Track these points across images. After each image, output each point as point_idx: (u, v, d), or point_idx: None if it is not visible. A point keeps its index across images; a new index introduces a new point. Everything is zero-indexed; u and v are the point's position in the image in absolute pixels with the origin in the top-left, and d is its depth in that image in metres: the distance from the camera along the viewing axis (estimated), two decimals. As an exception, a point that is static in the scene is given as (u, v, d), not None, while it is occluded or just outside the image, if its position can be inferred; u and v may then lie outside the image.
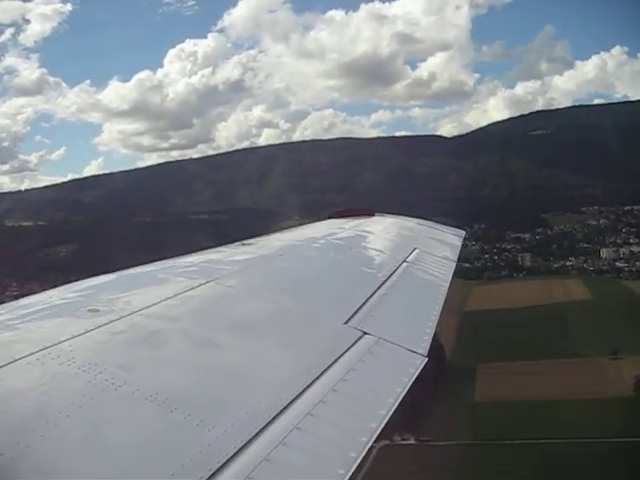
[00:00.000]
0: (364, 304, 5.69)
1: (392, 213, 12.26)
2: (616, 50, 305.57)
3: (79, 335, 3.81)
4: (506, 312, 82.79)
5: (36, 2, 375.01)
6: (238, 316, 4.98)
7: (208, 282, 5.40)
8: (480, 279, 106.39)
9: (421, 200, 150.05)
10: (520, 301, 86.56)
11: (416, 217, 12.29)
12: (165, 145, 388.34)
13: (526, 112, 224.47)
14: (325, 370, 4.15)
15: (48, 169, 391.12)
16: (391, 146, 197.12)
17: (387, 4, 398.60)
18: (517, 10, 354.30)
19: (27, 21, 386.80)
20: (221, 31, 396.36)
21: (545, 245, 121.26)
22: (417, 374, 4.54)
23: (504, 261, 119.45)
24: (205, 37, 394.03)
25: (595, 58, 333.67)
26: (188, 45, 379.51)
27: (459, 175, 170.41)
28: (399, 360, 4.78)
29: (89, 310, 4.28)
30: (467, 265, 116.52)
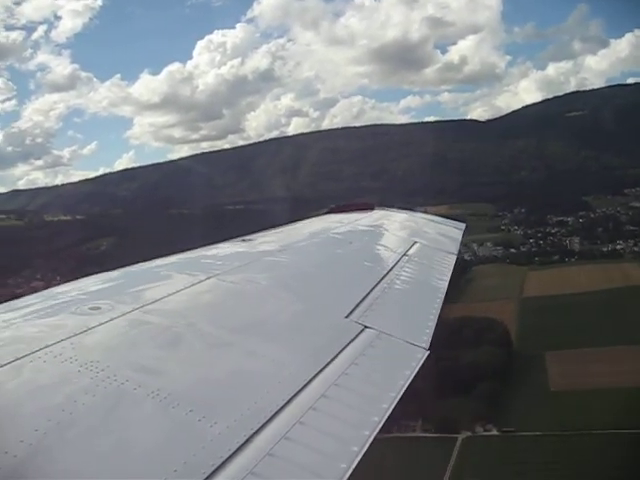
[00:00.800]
0: (365, 298, 5.72)
1: (393, 207, 12.26)
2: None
3: (81, 333, 3.84)
4: (567, 297, 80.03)
5: None
6: (239, 312, 5.02)
7: (209, 278, 5.45)
8: (532, 264, 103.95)
9: (458, 185, 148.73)
10: (579, 286, 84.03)
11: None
12: (196, 136, 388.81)
13: (559, 93, 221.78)
14: (327, 364, 4.18)
15: (80, 163, 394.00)
16: (425, 131, 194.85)
17: None
18: None
19: (59, 18, 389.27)
20: (250, 21, 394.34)
21: (589, 228, 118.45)
22: (419, 367, 4.53)
23: (550, 245, 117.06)
24: (234, 27, 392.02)
25: (629, 36, 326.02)
26: (217, 36, 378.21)
27: (495, 159, 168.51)
28: (401, 353, 4.80)
29: (90, 308, 4.31)
30: (513, 250, 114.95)
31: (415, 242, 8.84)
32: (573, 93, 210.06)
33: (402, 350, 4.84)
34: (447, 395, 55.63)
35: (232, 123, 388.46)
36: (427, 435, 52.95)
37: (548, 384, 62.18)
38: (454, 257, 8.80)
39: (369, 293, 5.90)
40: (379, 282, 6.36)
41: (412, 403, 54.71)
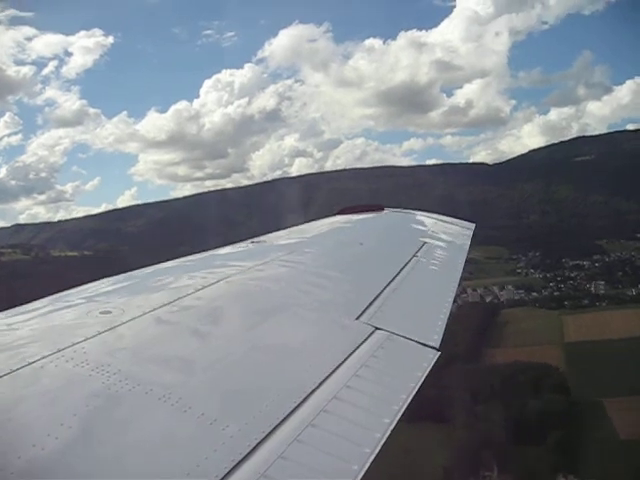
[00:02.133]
0: (375, 299, 5.71)
1: (401, 207, 12.41)
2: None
3: (92, 337, 3.82)
4: (609, 343, 77.98)
5: (79, 36, 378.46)
6: (249, 314, 4.97)
7: (219, 281, 5.41)
8: (562, 308, 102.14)
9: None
10: (618, 332, 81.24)
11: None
12: (200, 175, 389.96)
13: (563, 138, 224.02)
14: (338, 366, 4.15)
15: (83, 199, 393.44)
16: (433, 174, 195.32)
17: (424, 32, 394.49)
18: (555, 36, 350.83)
19: (70, 54, 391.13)
20: (260, 61, 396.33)
21: (608, 273, 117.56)
22: (430, 368, 4.49)
23: (572, 289, 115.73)
24: (242, 67, 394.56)
25: (629, 82, 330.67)
26: (224, 75, 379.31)
27: (505, 202, 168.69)
28: (412, 355, 4.77)
29: (101, 312, 4.29)
30: (535, 294, 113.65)
31: (425, 242, 8.80)
32: (579, 138, 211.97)
33: (413, 351, 4.83)
34: (519, 444, 53.64)
35: (237, 162, 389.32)
36: (509, 487, 50.70)
37: (616, 432, 60.24)
38: (464, 257, 8.88)
39: (379, 294, 5.89)
40: (389, 283, 6.34)
41: (485, 451, 52.75)
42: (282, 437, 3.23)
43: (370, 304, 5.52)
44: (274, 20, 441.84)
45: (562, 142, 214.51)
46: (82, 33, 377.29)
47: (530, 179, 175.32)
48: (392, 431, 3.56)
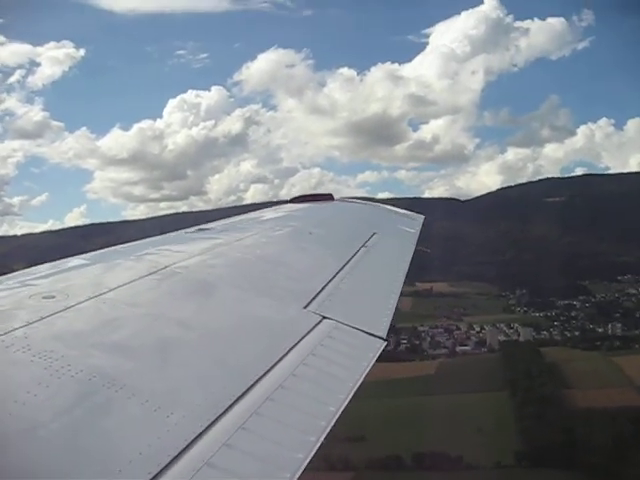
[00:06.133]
0: (323, 289, 5.69)
1: (353, 198, 12.27)
2: (603, 122, 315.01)
3: (34, 322, 3.70)
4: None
5: (48, 47, 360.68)
6: (196, 302, 4.88)
7: (166, 267, 5.30)
8: (599, 349, 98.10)
9: (447, 264, 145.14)
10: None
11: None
12: (155, 196, 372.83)
13: (520, 179, 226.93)
14: (285, 355, 4.13)
15: (32, 215, 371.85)
16: (404, 208, 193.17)
17: (396, 65, 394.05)
18: (524, 78, 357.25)
19: (37, 64, 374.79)
20: (236, 84, 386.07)
21: (602, 314, 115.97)
22: (376, 358, 4.55)
23: (580, 329, 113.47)
24: (209, 90, 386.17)
25: (583, 128, 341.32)
26: (190, 96, 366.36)
27: (480, 239, 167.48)
28: (359, 344, 4.78)
29: (44, 297, 4.15)
30: (544, 333, 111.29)
31: (374, 233, 8.82)
32: (547, 179, 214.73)
33: (360, 341, 4.83)
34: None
35: (195, 184, 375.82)
36: None
37: None
38: (412, 248, 8.88)
39: (328, 284, 5.87)
40: (338, 273, 6.33)
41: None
42: (227, 425, 3.19)
43: (318, 293, 5.49)
44: (250, 44, 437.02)
45: (531, 182, 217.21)
46: (52, 44, 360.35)
47: (503, 217, 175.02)
48: (338, 418, 3.52)
